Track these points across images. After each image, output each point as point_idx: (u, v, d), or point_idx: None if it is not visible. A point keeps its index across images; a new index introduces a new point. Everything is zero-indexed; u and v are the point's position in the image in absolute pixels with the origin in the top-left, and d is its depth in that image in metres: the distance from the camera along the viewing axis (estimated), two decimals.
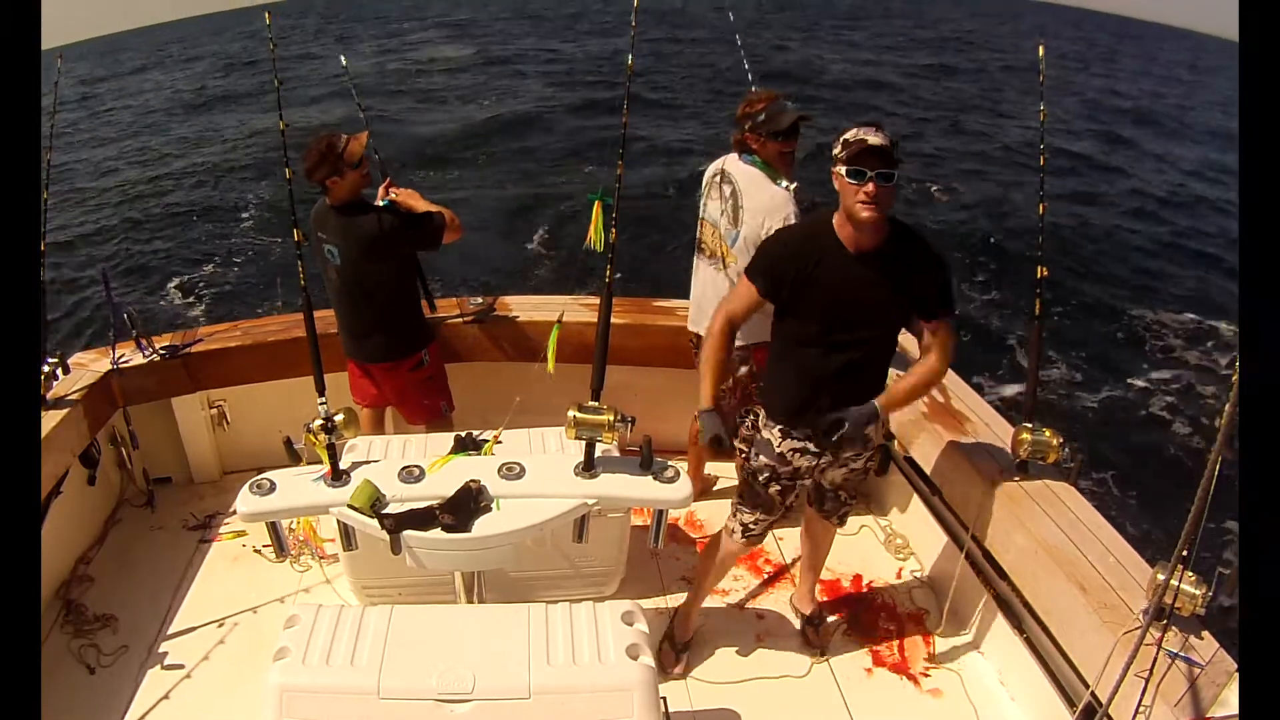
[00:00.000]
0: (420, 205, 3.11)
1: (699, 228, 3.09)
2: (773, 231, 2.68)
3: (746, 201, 2.83)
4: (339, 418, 2.25)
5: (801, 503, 2.72)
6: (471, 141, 16.18)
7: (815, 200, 2.91)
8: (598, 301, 2.43)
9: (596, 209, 2.62)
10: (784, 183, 2.88)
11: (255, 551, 3.21)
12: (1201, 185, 16.17)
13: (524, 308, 3.64)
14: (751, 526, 2.56)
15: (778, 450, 2.43)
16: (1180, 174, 17.07)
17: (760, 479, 2.49)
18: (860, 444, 2.41)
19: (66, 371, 3.14)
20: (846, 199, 2.11)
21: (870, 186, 2.04)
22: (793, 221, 2.79)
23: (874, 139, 2.05)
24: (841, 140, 2.11)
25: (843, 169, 2.08)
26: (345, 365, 3.44)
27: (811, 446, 2.41)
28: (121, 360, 3.23)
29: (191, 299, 9.40)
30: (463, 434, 2.60)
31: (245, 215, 12.07)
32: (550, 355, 3.14)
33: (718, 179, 2.97)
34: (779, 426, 2.42)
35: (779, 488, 2.48)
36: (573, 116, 18.05)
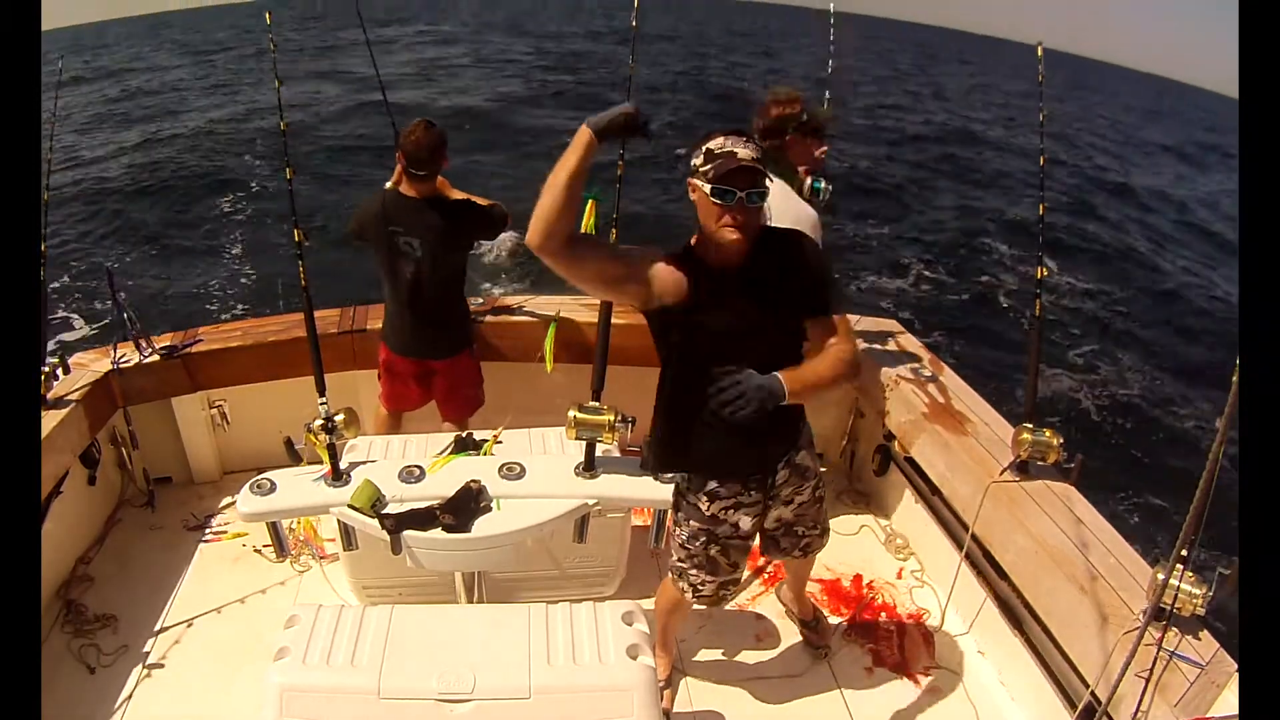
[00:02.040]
0: (455, 194, 3.14)
1: None
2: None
3: (775, 215, 2.77)
4: (339, 418, 2.25)
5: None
6: (461, 136, 16.19)
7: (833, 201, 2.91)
8: (598, 302, 2.43)
9: (590, 207, 2.62)
10: (814, 181, 2.85)
11: (255, 551, 3.21)
12: (1196, 182, 16.24)
13: (523, 307, 3.64)
14: (700, 588, 2.28)
15: (708, 514, 2.17)
16: (1170, 173, 17.17)
17: (696, 544, 2.22)
18: (799, 476, 2.22)
19: (67, 371, 3.14)
20: (708, 220, 1.85)
21: (740, 212, 1.80)
22: (817, 235, 2.75)
23: (744, 152, 1.78)
24: (704, 150, 1.82)
25: (707, 187, 1.80)
26: (345, 365, 3.44)
27: (745, 499, 2.16)
28: (121, 360, 3.23)
29: (191, 299, 9.39)
30: (463, 434, 2.60)
31: (245, 214, 12.08)
32: (548, 354, 3.13)
33: None
34: (705, 490, 2.15)
35: (719, 548, 2.22)
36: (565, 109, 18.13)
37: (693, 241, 1.95)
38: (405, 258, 2.99)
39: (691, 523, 2.21)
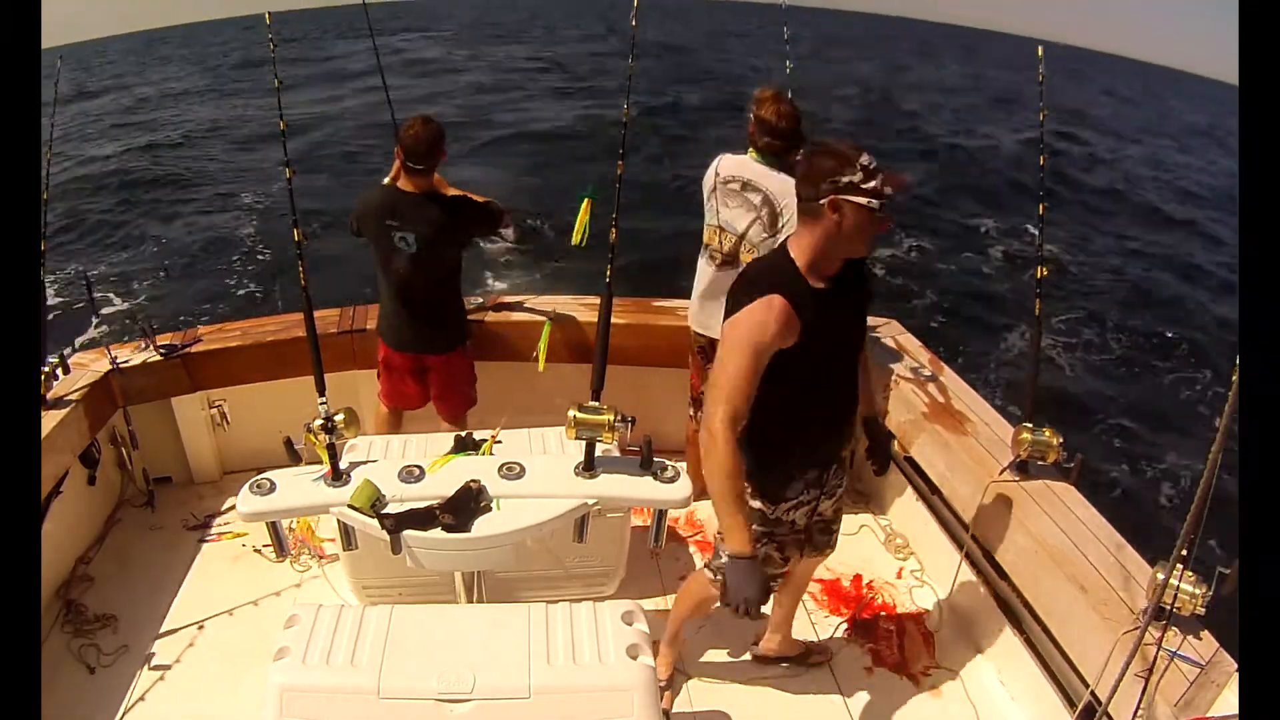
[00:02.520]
0: (451, 191, 3.17)
1: (713, 235, 2.99)
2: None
3: (788, 211, 2.76)
4: (339, 418, 2.25)
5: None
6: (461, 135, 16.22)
7: None
8: (597, 301, 2.43)
9: (585, 206, 2.61)
10: None
11: (255, 551, 3.21)
12: (1197, 183, 16.28)
13: (522, 308, 3.64)
14: None
15: (772, 517, 2.21)
16: (1171, 172, 17.22)
17: (756, 545, 2.16)
18: (841, 467, 2.29)
19: (67, 371, 3.14)
20: (862, 235, 1.88)
21: (890, 219, 1.88)
22: None
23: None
24: (861, 167, 1.82)
25: (875, 202, 1.83)
26: (345, 365, 3.44)
27: (805, 497, 2.20)
28: (121, 360, 3.23)
29: (190, 299, 9.40)
30: (462, 434, 2.60)
31: (245, 215, 12.08)
32: (541, 353, 3.13)
33: (736, 186, 2.88)
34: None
35: (777, 545, 2.26)
36: (566, 111, 18.17)
37: (801, 267, 1.94)
38: (400, 252, 3.01)
39: (754, 526, 2.20)
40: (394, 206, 3.00)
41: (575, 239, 2.72)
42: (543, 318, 3.47)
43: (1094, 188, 16.26)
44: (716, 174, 2.96)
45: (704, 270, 3.08)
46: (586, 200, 2.65)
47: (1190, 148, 25.21)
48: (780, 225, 2.82)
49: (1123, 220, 14.36)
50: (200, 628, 2.86)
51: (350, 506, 2.17)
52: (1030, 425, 2.68)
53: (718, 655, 2.83)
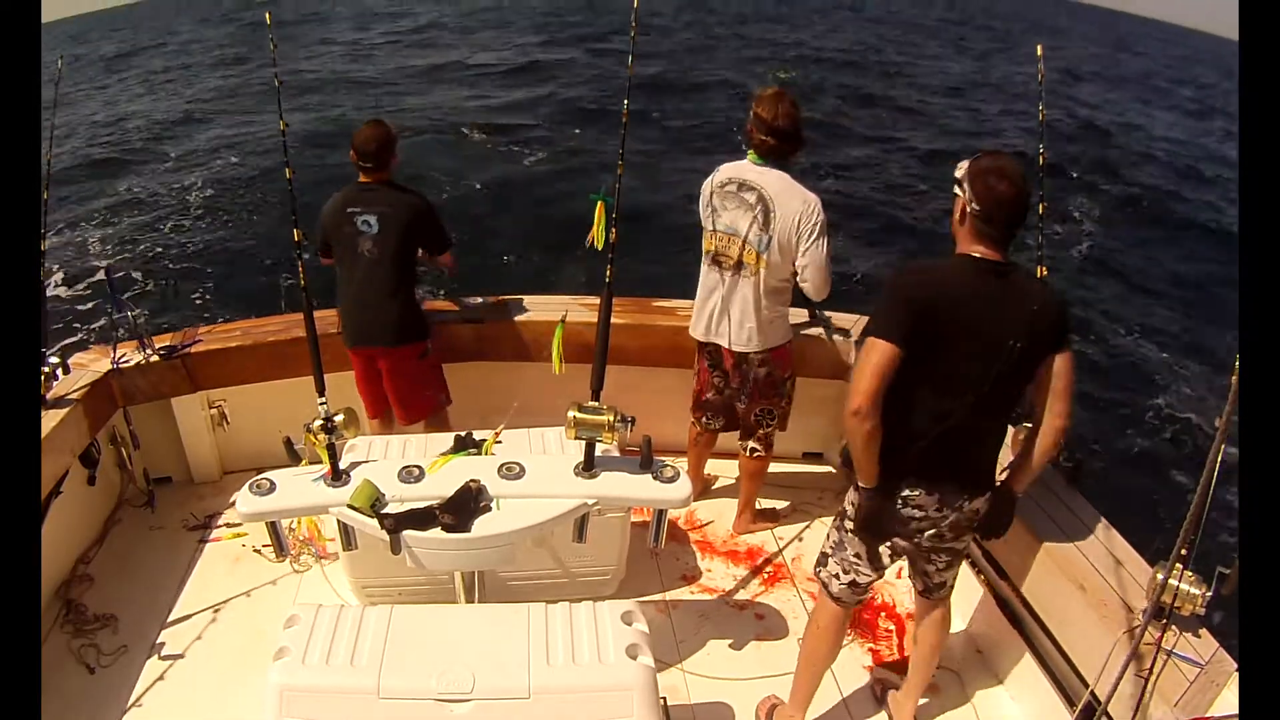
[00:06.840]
0: None
1: (714, 240, 2.96)
2: (815, 224, 2.76)
3: (779, 206, 2.79)
4: (339, 418, 2.24)
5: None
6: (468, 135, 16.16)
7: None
8: (598, 301, 2.43)
9: (599, 208, 2.61)
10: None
11: (255, 551, 3.21)
12: (1195, 178, 16.22)
13: (523, 307, 3.64)
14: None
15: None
16: (1173, 164, 17.12)
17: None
18: None
19: (67, 371, 3.14)
20: None
21: None
22: (822, 215, 2.81)
23: None
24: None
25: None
26: (345, 365, 3.45)
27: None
28: (121, 360, 3.23)
29: (190, 299, 9.40)
30: (463, 434, 2.60)
31: (243, 214, 12.08)
32: (556, 356, 3.13)
33: (733, 187, 2.87)
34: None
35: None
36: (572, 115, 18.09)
37: None
38: (364, 235, 3.13)
39: None
40: (354, 196, 3.18)
41: (597, 243, 2.71)
42: (544, 317, 3.47)
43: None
44: (713, 180, 2.95)
45: (710, 277, 3.03)
46: (599, 202, 2.65)
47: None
48: (772, 222, 2.81)
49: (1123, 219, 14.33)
50: (200, 628, 2.86)
51: (350, 506, 2.17)
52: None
53: (718, 652, 2.83)
